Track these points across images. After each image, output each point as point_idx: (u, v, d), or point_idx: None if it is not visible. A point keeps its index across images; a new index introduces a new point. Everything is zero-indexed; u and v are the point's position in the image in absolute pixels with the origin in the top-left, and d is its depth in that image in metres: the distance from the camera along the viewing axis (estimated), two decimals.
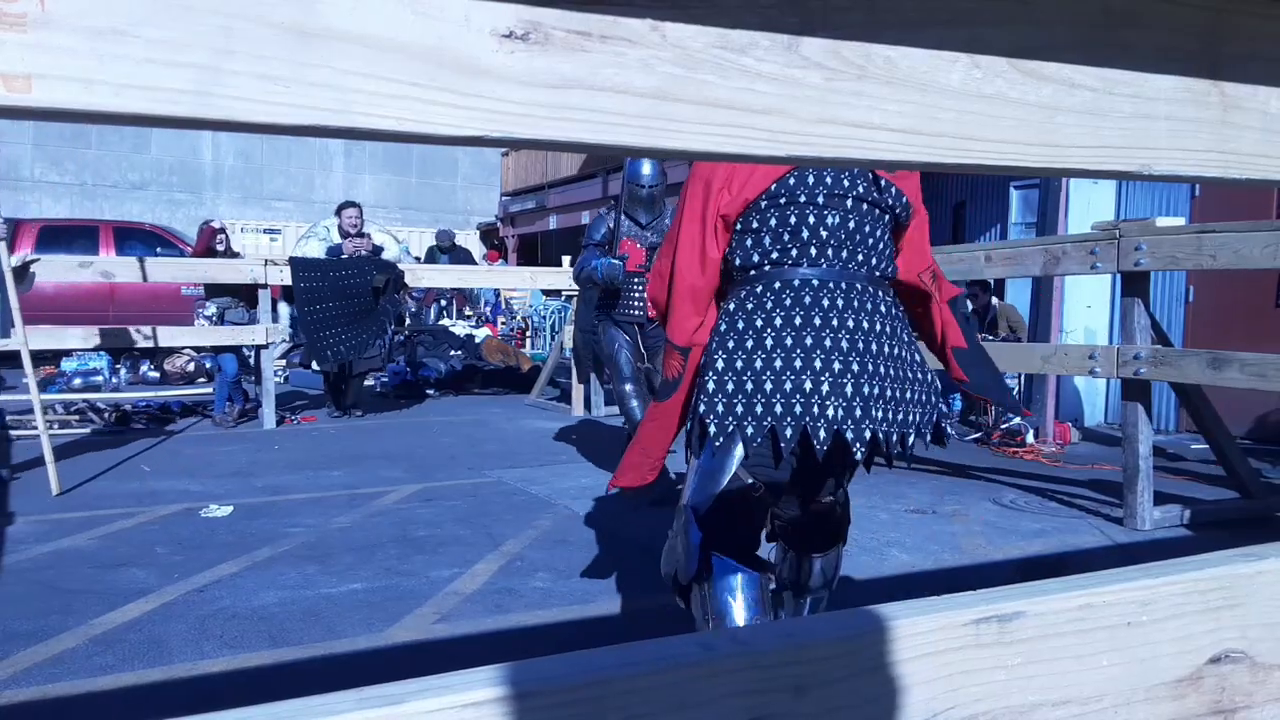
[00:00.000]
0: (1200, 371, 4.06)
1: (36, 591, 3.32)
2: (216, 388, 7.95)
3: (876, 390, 2.02)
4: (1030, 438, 6.89)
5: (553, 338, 9.92)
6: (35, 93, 0.46)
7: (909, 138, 0.66)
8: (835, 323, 2.03)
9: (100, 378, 9.93)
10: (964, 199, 10.33)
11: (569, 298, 8.54)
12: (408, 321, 10.39)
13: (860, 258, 2.11)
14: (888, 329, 2.08)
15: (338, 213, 8.04)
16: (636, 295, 5.10)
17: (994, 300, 8.40)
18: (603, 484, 5.18)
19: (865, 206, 2.13)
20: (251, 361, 8.32)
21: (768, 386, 2.00)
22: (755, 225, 2.11)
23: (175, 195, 18.60)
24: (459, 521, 4.36)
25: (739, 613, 2.05)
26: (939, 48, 0.66)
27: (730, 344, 2.06)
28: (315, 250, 7.91)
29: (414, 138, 0.55)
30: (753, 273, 2.12)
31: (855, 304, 2.06)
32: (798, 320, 2.03)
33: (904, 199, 2.18)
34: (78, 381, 9.68)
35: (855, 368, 2.00)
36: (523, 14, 0.55)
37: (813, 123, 0.63)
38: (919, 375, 2.15)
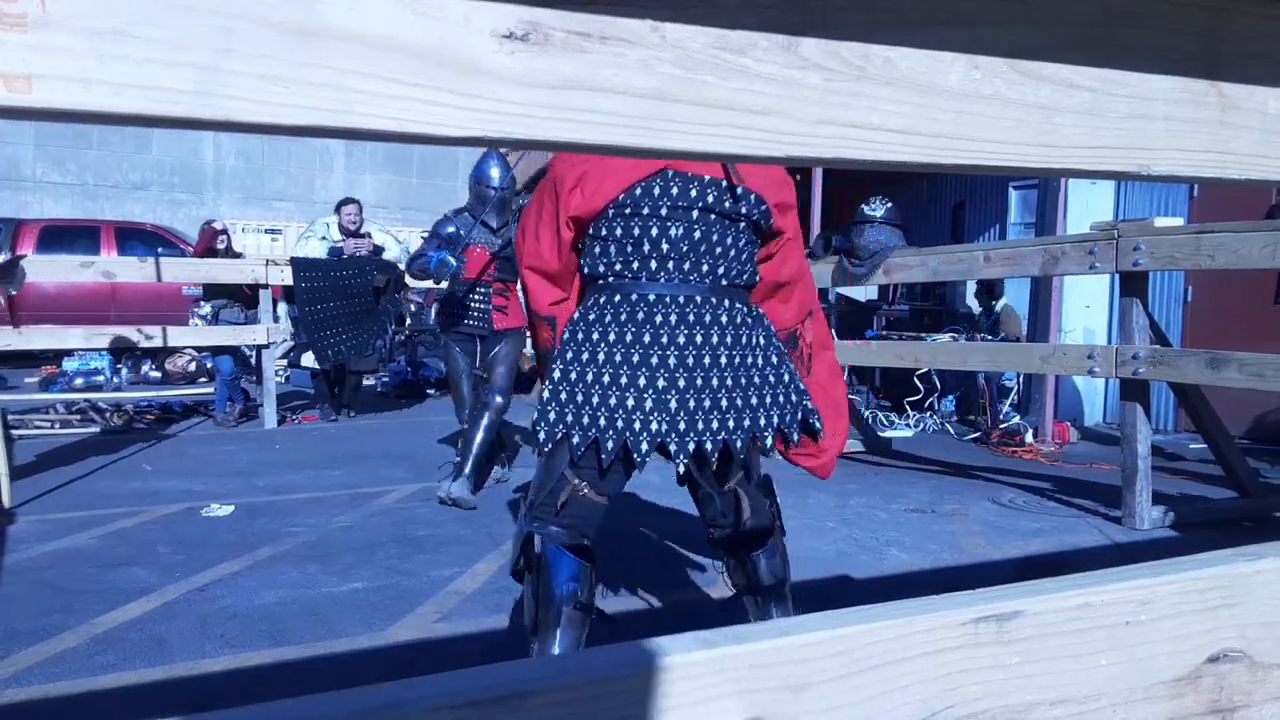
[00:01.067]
0: (1199, 371, 4.06)
1: (37, 591, 3.32)
2: (217, 387, 7.96)
3: (709, 402, 2.09)
4: (1029, 437, 6.89)
5: None
6: (36, 93, 0.46)
7: (908, 138, 0.67)
8: (665, 339, 2.10)
9: (102, 377, 9.95)
10: (963, 199, 10.33)
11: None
12: (408, 321, 10.39)
13: (705, 268, 2.16)
14: (729, 338, 2.14)
15: (337, 210, 8.04)
16: (477, 306, 5.00)
17: (995, 304, 8.38)
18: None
19: (713, 217, 2.17)
20: (252, 361, 8.33)
21: (594, 400, 2.09)
22: (604, 234, 2.18)
23: (176, 195, 18.59)
24: (459, 521, 4.37)
25: (560, 592, 2.14)
26: (938, 48, 0.66)
27: (569, 354, 2.15)
28: (316, 250, 7.92)
29: (414, 138, 0.55)
30: (599, 282, 2.19)
31: (691, 318, 2.12)
32: (629, 337, 2.11)
33: (762, 206, 2.21)
34: (79, 381, 9.69)
35: (682, 383, 2.08)
36: (523, 14, 0.55)
37: (812, 123, 0.64)
38: (772, 378, 2.20)
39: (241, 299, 7.80)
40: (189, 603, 3.21)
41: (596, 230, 2.18)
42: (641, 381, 2.07)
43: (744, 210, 2.19)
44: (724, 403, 2.11)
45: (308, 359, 7.89)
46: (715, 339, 2.13)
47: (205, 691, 2.52)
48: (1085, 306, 7.85)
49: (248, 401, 8.09)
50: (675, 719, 0.67)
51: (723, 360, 2.12)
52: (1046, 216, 7.49)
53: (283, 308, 8.58)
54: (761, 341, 2.20)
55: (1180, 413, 7.20)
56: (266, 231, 16.49)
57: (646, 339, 2.10)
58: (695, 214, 2.15)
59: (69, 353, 9.79)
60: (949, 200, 10.61)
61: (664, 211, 2.14)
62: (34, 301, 10.47)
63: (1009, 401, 7.63)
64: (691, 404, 2.08)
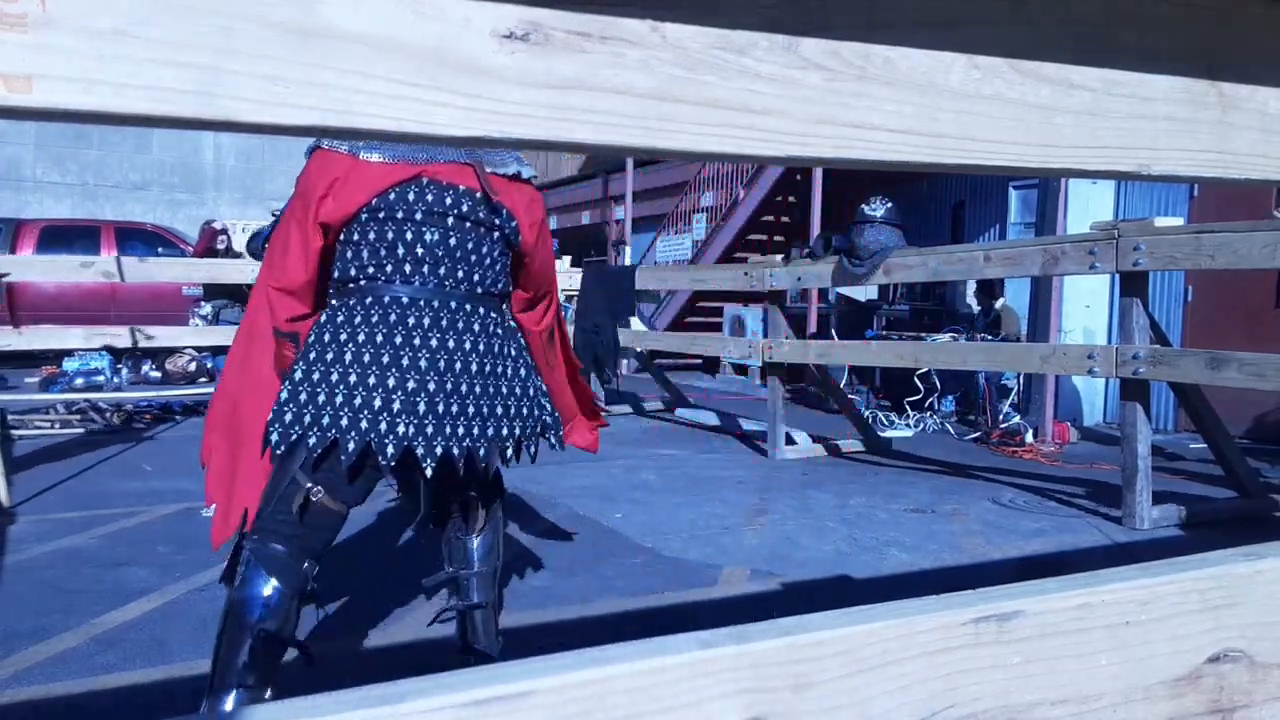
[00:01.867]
0: (1199, 371, 4.06)
1: (38, 591, 3.32)
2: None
3: (456, 408, 2.07)
4: (1029, 437, 6.89)
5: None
6: (36, 93, 0.46)
7: (908, 138, 0.67)
8: (418, 341, 2.07)
9: (102, 377, 9.94)
10: (963, 199, 10.34)
11: (569, 297, 8.53)
12: None
13: (460, 274, 2.16)
14: (480, 346, 2.14)
15: None
16: None
17: (996, 304, 8.39)
18: (604, 484, 5.19)
19: (469, 225, 2.18)
20: None
21: (338, 399, 2.02)
22: (356, 238, 2.13)
23: (176, 195, 18.59)
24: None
25: (250, 618, 2.01)
26: (938, 48, 0.66)
27: (313, 355, 2.07)
28: None
29: (414, 138, 0.55)
30: (350, 285, 2.14)
31: (444, 323, 2.11)
32: (379, 338, 2.06)
33: (513, 223, 2.24)
34: (79, 381, 9.68)
35: (432, 386, 2.04)
36: (523, 14, 0.55)
37: (812, 123, 0.64)
38: (519, 389, 2.22)
39: (242, 299, 7.80)
40: (189, 603, 3.21)
41: (349, 235, 2.14)
42: (390, 382, 2.02)
43: (497, 222, 2.22)
44: (471, 409, 2.09)
45: None
46: (468, 345, 2.12)
47: (205, 691, 2.52)
48: (1085, 306, 7.85)
49: None
50: (676, 719, 0.67)
51: (473, 367, 2.12)
52: (1046, 216, 7.49)
53: None
54: (512, 352, 2.24)
55: (1180, 412, 7.20)
56: None
57: (398, 340, 2.06)
58: (451, 220, 2.15)
59: (69, 353, 9.78)
60: (949, 200, 10.61)
61: (419, 216, 2.13)
62: (34, 301, 10.48)
63: (1009, 401, 7.63)
64: (440, 408, 2.04)
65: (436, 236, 2.14)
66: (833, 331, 9.85)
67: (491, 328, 2.20)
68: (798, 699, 0.70)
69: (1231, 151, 0.78)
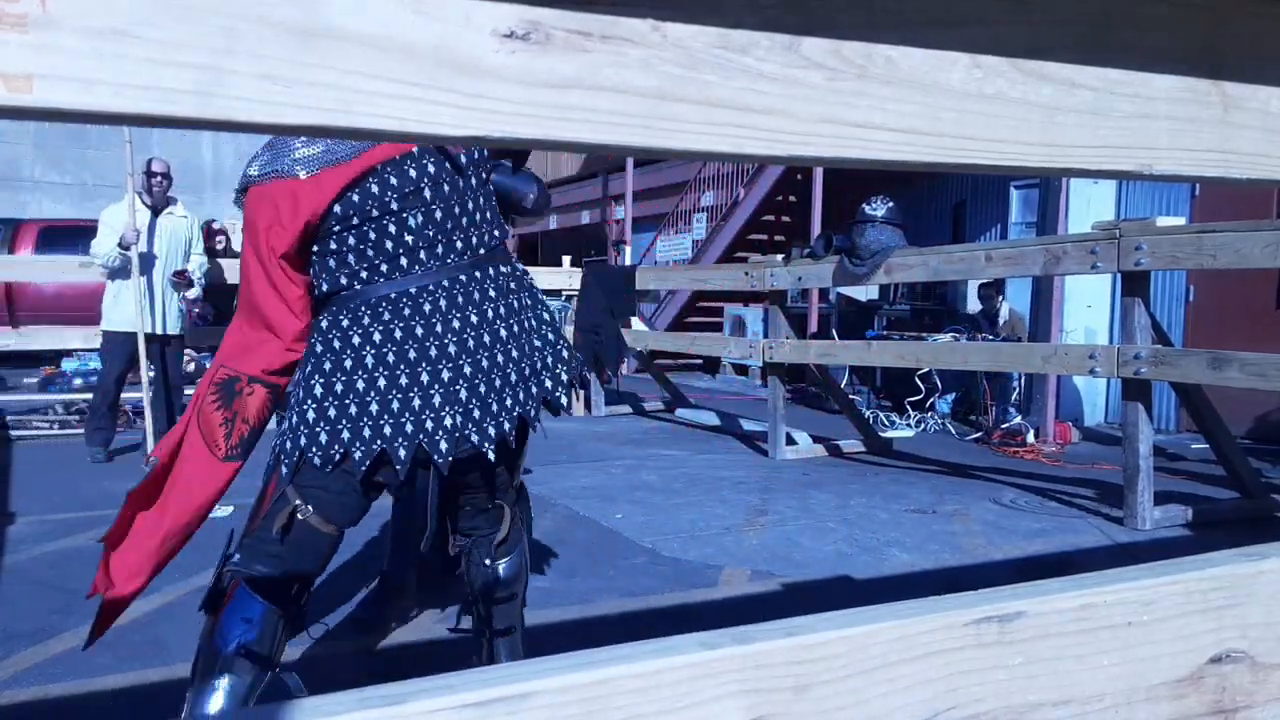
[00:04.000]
0: (1200, 371, 4.06)
1: (37, 591, 3.32)
2: None
3: (500, 381, 1.97)
4: (1030, 437, 6.89)
5: None
6: (36, 93, 0.46)
7: (910, 138, 0.66)
8: (440, 328, 1.94)
9: None
10: (964, 199, 10.34)
11: (569, 297, 8.52)
12: None
13: (459, 245, 2.03)
14: (501, 309, 2.02)
15: None
16: None
17: (1003, 304, 8.36)
18: (604, 484, 5.19)
19: (446, 188, 2.03)
20: None
21: (374, 409, 1.89)
22: (334, 248, 1.98)
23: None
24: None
25: (229, 636, 1.91)
26: (940, 48, 0.66)
27: (327, 366, 1.92)
28: None
29: (415, 138, 0.55)
30: (344, 294, 1.99)
31: (460, 300, 1.98)
32: (398, 334, 1.93)
33: (481, 157, 2.12)
34: (78, 381, 9.67)
35: (468, 369, 1.93)
36: (523, 14, 0.55)
37: (814, 122, 0.63)
38: (551, 337, 2.12)
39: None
40: (188, 603, 3.20)
41: (324, 248, 1.98)
42: (425, 378, 1.90)
43: (464, 160, 2.07)
44: (513, 376, 2.00)
45: None
46: (490, 313, 2.00)
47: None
48: (1087, 306, 7.85)
49: None
50: None
51: (503, 333, 2.00)
52: (1048, 216, 7.49)
53: None
54: (529, 302, 2.11)
55: (1182, 412, 7.20)
56: None
57: (418, 331, 1.94)
58: (428, 193, 2.00)
59: (68, 353, 9.78)
60: (950, 200, 10.61)
61: (395, 205, 1.98)
62: (33, 302, 10.48)
63: (1010, 401, 7.63)
64: (483, 389, 1.94)
65: (420, 219, 2.00)
66: (833, 331, 9.85)
67: (504, 284, 2.07)
68: (799, 700, 0.70)
69: (1233, 151, 0.78)
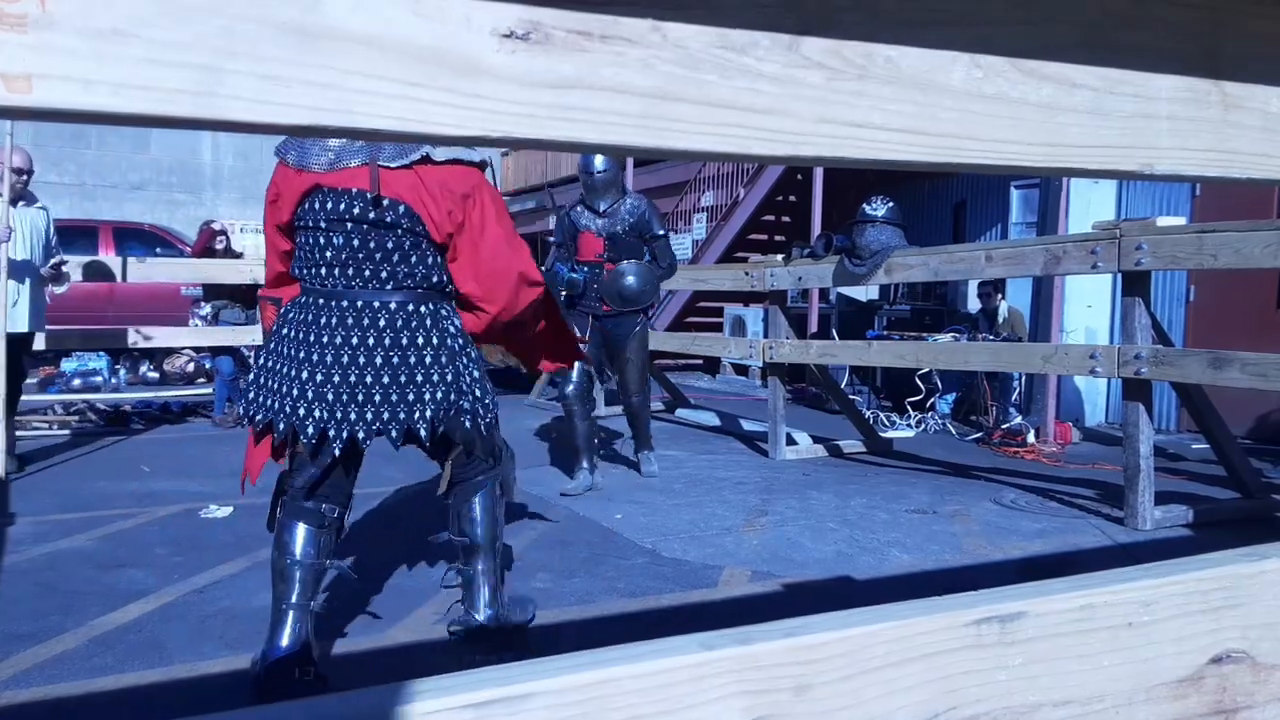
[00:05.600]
0: (1201, 371, 4.06)
1: (36, 592, 3.32)
2: (216, 388, 7.95)
3: (362, 396, 2.40)
4: (1031, 437, 6.89)
5: None
6: (35, 93, 0.46)
7: (910, 137, 0.66)
8: (326, 338, 2.40)
9: (99, 378, 9.93)
10: (964, 199, 10.34)
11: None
12: None
13: (367, 273, 2.44)
14: (385, 340, 2.42)
15: None
16: (593, 287, 5.27)
17: (1002, 303, 8.37)
18: (604, 484, 5.19)
19: (366, 227, 2.43)
20: (251, 361, 8.32)
21: (271, 385, 2.45)
22: (297, 242, 2.53)
23: (175, 196, 18.57)
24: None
25: (294, 544, 2.48)
26: (940, 47, 0.66)
27: (269, 345, 2.51)
28: None
29: (415, 138, 0.55)
30: (298, 284, 2.54)
31: (350, 320, 2.42)
32: (300, 334, 2.43)
33: (412, 215, 2.45)
34: (77, 382, 9.68)
35: (336, 379, 2.39)
36: (523, 14, 0.55)
37: (814, 122, 0.63)
38: (434, 376, 2.47)
39: (241, 299, 7.79)
40: (188, 604, 3.21)
41: (295, 239, 2.54)
42: (304, 375, 2.39)
43: (390, 219, 2.43)
44: (377, 397, 2.41)
45: None
46: (372, 340, 2.41)
47: (204, 692, 2.52)
48: (1087, 306, 7.84)
49: None
50: None
51: (378, 360, 2.41)
52: (1048, 216, 7.49)
53: None
54: (420, 341, 2.45)
55: (1182, 413, 7.20)
56: None
57: (312, 337, 2.41)
58: (349, 225, 2.43)
59: (67, 353, 9.78)
60: (950, 200, 10.61)
61: (324, 224, 2.44)
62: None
63: (1010, 401, 7.63)
64: (345, 397, 2.39)
65: (340, 240, 2.44)
66: (834, 331, 9.85)
67: (399, 320, 2.44)
68: (800, 701, 0.70)
69: (1234, 151, 0.78)
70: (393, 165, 2.43)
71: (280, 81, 0.50)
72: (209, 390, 8.70)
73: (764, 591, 3.41)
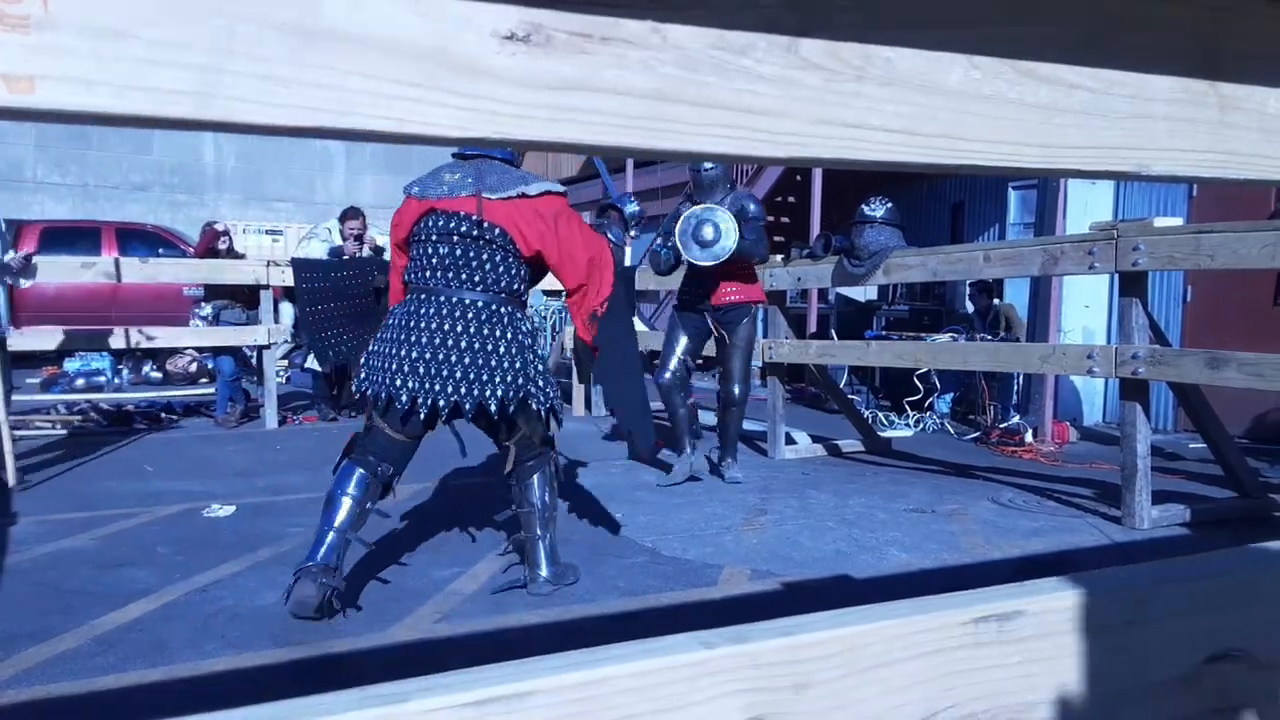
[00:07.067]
0: (1198, 371, 4.06)
1: (38, 592, 3.32)
2: (218, 388, 7.95)
3: (446, 371, 2.95)
4: (1029, 437, 6.89)
5: (553, 338, 9.93)
6: (38, 94, 0.46)
7: (907, 138, 0.67)
8: (424, 325, 3.00)
9: (103, 378, 9.93)
10: (962, 199, 10.34)
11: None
12: None
13: (465, 277, 3.06)
14: (470, 329, 2.99)
15: (341, 220, 7.97)
16: (708, 279, 5.30)
17: (995, 301, 8.41)
18: (604, 484, 5.19)
19: (469, 241, 3.06)
20: (253, 361, 8.32)
21: (375, 363, 3.04)
22: (411, 254, 3.18)
23: (177, 196, 18.55)
24: (458, 520, 4.36)
25: (349, 482, 3.03)
26: (937, 49, 0.66)
27: (379, 334, 3.12)
28: (317, 250, 7.90)
29: (415, 139, 0.55)
30: (407, 284, 3.18)
31: (445, 311, 3.01)
32: (406, 321, 3.03)
33: (497, 231, 3.06)
34: (80, 382, 9.68)
35: (429, 356, 2.96)
36: (524, 15, 0.55)
37: (812, 123, 0.64)
38: (506, 363, 3.01)
39: (242, 299, 7.79)
40: (190, 603, 3.21)
41: (408, 251, 3.20)
42: (403, 353, 2.98)
43: (488, 238, 3.06)
44: (459, 374, 2.96)
45: (312, 362, 7.86)
46: (460, 328, 2.99)
47: (206, 692, 2.52)
48: (1085, 306, 7.84)
49: (249, 402, 8.08)
50: (676, 719, 0.67)
51: (463, 344, 2.97)
52: (1045, 216, 7.49)
53: (285, 308, 8.57)
54: (499, 333, 3.02)
55: (1179, 412, 7.19)
56: (267, 232, 16.46)
57: (413, 323, 3.01)
58: (455, 239, 3.07)
59: (70, 353, 9.78)
60: (948, 200, 10.61)
61: (434, 237, 3.09)
62: (34, 303, 10.47)
63: (1009, 401, 7.63)
64: (433, 371, 2.95)
65: (445, 250, 3.08)
66: (832, 331, 9.85)
67: (484, 315, 3.03)
68: (798, 699, 0.71)
69: (1231, 151, 0.78)
70: (493, 197, 3.06)
71: (280, 82, 0.50)
72: (211, 390, 8.70)
73: (763, 590, 3.41)
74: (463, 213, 3.05)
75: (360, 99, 0.52)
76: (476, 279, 3.04)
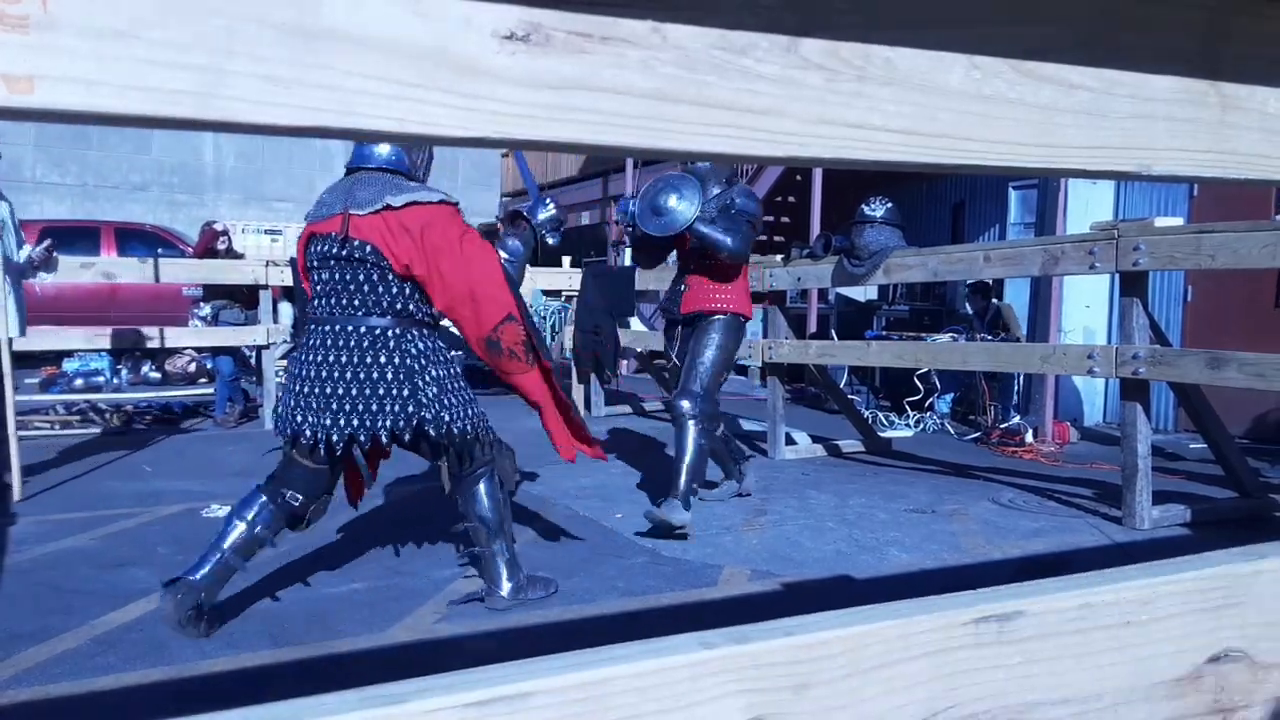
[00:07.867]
0: (1199, 371, 4.06)
1: (38, 591, 3.32)
2: (218, 388, 7.95)
3: (334, 405, 2.88)
4: (1029, 437, 6.89)
5: (552, 338, 9.93)
6: (38, 94, 0.46)
7: (908, 138, 0.67)
8: (312, 358, 2.93)
9: (102, 378, 9.92)
10: (962, 199, 10.33)
11: (569, 299, 8.52)
12: None
13: (344, 302, 2.94)
14: (354, 358, 2.90)
15: None
16: (688, 284, 4.64)
17: (993, 301, 8.41)
18: (603, 484, 5.19)
19: (343, 263, 2.94)
20: (252, 361, 8.31)
21: (284, 398, 3.01)
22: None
23: (176, 196, 18.55)
24: (457, 521, 4.36)
25: (246, 507, 2.97)
26: (938, 49, 0.66)
27: (288, 367, 3.16)
28: None
29: (415, 139, 0.55)
30: (306, 316, 3.11)
31: (329, 341, 2.92)
32: (300, 356, 2.99)
33: (378, 252, 2.89)
34: (79, 382, 9.67)
35: (318, 390, 2.89)
36: (524, 15, 0.55)
37: (812, 123, 0.64)
38: (394, 390, 2.90)
39: (241, 300, 7.79)
40: None
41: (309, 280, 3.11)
42: (297, 388, 2.94)
43: (358, 257, 2.91)
44: (347, 406, 2.88)
45: None
46: (344, 358, 2.90)
47: (206, 692, 2.52)
48: (1085, 306, 7.85)
49: (248, 402, 8.08)
50: (676, 719, 0.67)
51: (348, 375, 2.89)
52: (1046, 216, 7.49)
53: (284, 308, 8.57)
54: (382, 360, 2.91)
55: (1180, 412, 7.19)
56: (267, 232, 16.46)
57: (305, 356, 2.96)
58: (332, 263, 2.95)
59: (69, 354, 9.78)
60: (949, 200, 10.61)
61: (315, 262, 2.99)
62: (33, 303, 10.45)
63: (1009, 401, 7.62)
64: (321, 405, 2.88)
65: (325, 276, 2.97)
66: (832, 332, 9.85)
67: (367, 342, 2.91)
68: (798, 699, 0.70)
69: (1231, 151, 0.78)
70: (360, 213, 2.89)
71: (281, 82, 0.50)
72: (211, 390, 8.70)
73: (763, 590, 3.41)
74: (333, 234, 2.92)
75: (361, 99, 0.52)
76: (357, 302, 2.92)
